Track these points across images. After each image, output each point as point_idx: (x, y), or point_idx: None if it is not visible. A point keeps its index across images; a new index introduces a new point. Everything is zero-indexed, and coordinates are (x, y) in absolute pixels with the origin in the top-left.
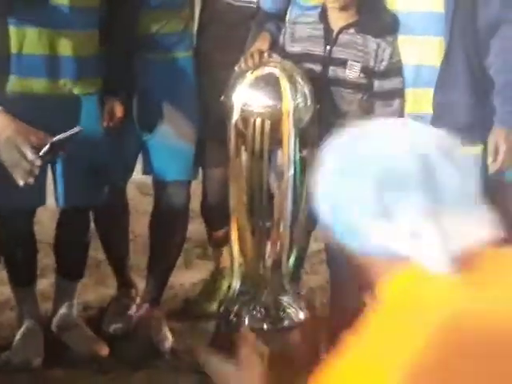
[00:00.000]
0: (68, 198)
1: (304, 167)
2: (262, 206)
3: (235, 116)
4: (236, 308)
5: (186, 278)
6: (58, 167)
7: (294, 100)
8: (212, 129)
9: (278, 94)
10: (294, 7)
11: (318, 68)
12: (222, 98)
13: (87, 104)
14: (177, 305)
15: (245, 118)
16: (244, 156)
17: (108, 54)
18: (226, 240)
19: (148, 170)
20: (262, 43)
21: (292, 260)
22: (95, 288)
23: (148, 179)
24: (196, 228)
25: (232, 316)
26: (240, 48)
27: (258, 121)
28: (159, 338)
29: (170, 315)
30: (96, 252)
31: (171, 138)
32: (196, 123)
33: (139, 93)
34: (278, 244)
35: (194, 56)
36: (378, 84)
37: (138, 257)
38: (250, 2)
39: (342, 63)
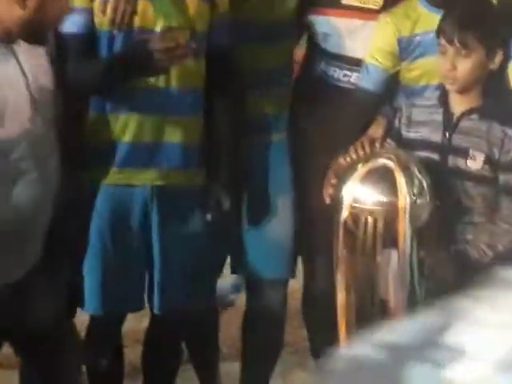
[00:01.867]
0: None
1: (422, 271)
2: (374, 310)
3: (344, 213)
4: None
5: None
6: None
7: (410, 196)
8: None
9: (392, 190)
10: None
11: (436, 157)
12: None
13: (191, 196)
14: None
15: (355, 216)
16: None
17: (215, 141)
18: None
19: (239, 268)
20: (376, 130)
21: None
22: None
23: None
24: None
25: None
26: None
27: (370, 220)
28: None
29: None
30: None
31: (269, 232)
32: (292, 214)
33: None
34: None
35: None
36: (503, 178)
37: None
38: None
39: (463, 153)
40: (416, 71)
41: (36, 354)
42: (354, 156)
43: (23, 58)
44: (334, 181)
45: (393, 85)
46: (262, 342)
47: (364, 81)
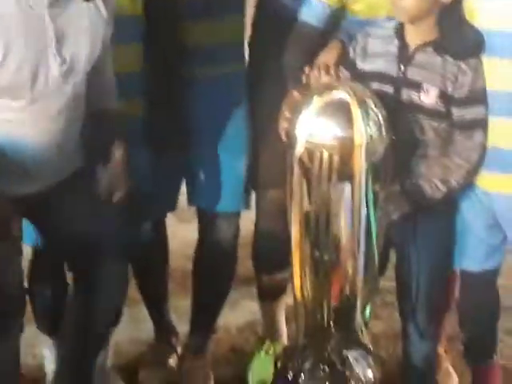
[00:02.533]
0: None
1: (376, 203)
2: (329, 239)
3: (299, 148)
4: (295, 365)
5: (231, 320)
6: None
7: (366, 130)
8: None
9: (348, 124)
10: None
11: (390, 90)
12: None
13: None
14: (222, 352)
15: (310, 151)
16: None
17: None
18: (282, 289)
19: (193, 200)
20: (331, 55)
21: (368, 309)
22: (130, 333)
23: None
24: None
25: (289, 374)
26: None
27: (326, 155)
28: None
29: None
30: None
31: (220, 164)
32: (247, 146)
33: (184, 113)
34: (347, 288)
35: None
36: (457, 113)
37: (177, 296)
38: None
39: (417, 86)
40: (361, 4)
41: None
42: (308, 84)
43: None
44: (288, 114)
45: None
46: (214, 274)
47: (306, 15)
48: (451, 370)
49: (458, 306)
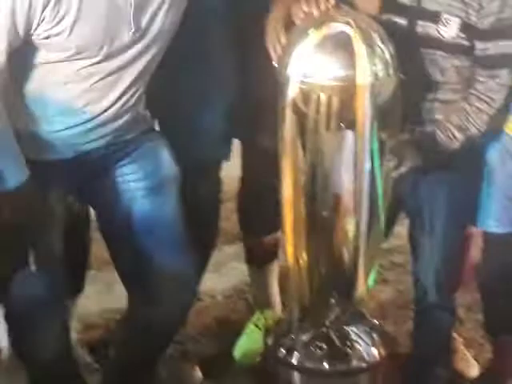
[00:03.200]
0: None
1: (383, 155)
2: (326, 195)
3: (292, 90)
4: (287, 341)
5: (216, 285)
6: None
7: (371, 69)
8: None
9: (350, 62)
10: None
11: (402, 22)
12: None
13: None
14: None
15: (306, 93)
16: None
17: None
18: (273, 253)
19: None
20: None
21: (373, 275)
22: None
23: None
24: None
25: (282, 351)
26: None
27: (324, 97)
28: None
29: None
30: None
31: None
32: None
33: None
34: (347, 252)
35: None
36: (480, 46)
37: None
38: None
39: (435, 17)
40: None
41: None
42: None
43: None
44: (282, 39)
45: None
46: (196, 229)
47: None
48: (467, 353)
49: (478, 271)
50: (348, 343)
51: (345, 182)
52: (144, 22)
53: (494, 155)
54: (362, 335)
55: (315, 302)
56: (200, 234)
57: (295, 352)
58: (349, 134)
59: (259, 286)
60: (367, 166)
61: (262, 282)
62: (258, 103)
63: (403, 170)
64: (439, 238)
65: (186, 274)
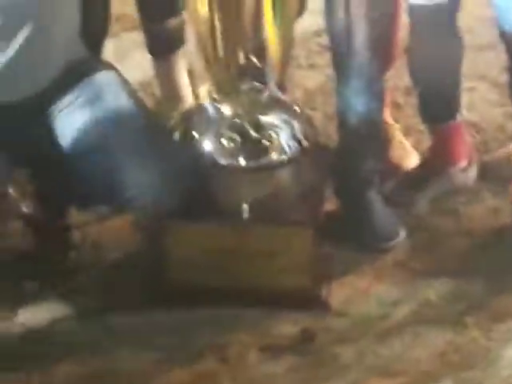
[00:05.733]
0: None
1: None
2: None
3: None
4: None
5: None
6: None
7: None
8: None
9: None
10: None
11: None
12: None
13: None
14: None
15: None
16: None
17: None
18: (178, 38)
19: None
20: None
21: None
22: None
23: None
24: None
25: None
26: None
27: None
28: None
29: None
30: None
31: None
32: None
33: None
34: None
35: None
36: None
37: None
38: None
39: None
40: None
41: None
42: None
43: None
44: None
45: None
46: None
47: None
48: (405, 141)
49: (407, 51)
50: (265, 134)
51: None
52: None
53: None
54: (282, 124)
55: (225, 83)
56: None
57: (205, 147)
58: None
59: (165, 79)
60: None
61: (167, 74)
62: None
63: None
64: (361, 9)
65: None
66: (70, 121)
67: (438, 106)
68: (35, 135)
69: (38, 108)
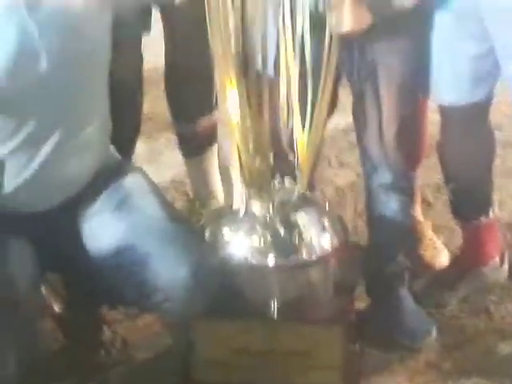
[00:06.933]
0: None
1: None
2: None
3: None
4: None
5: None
6: None
7: None
8: None
9: None
10: None
11: None
12: None
13: None
14: None
15: None
16: None
17: None
18: (209, 139)
19: None
20: None
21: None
22: None
23: None
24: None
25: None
26: None
27: None
28: None
29: None
30: None
31: None
32: None
33: None
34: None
35: None
36: None
37: None
38: None
39: None
40: None
41: None
42: None
43: None
44: None
45: None
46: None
47: None
48: (435, 239)
49: (438, 148)
50: (295, 232)
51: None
52: None
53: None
54: (312, 223)
55: (256, 181)
56: (124, 116)
57: (235, 245)
58: None
59: (197, 177)
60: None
61: (200, 173)
62: None
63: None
64: (388, 111)
65: None
66: (98, 226)
67: (470, 202)
68: (64, 239)
69: (67, 214)
